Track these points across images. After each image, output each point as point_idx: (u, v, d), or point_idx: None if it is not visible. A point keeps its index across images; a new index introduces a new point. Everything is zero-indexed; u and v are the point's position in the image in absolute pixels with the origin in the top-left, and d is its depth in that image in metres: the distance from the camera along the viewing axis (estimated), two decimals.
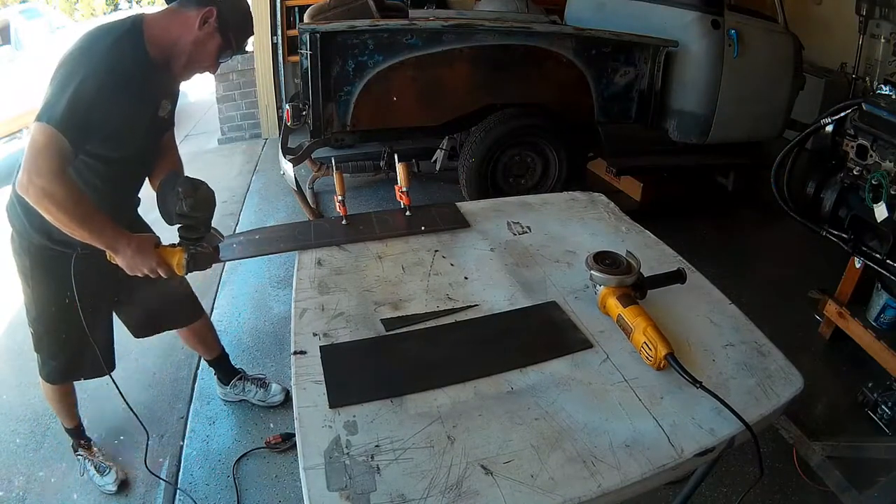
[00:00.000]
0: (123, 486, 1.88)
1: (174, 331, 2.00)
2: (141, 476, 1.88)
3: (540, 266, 1.34)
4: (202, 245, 1.39)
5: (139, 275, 1.36)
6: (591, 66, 2.98)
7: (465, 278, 1.29)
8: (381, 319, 1.15)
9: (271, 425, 2.03)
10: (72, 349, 1.68)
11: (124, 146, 1.41)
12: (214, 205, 1.39)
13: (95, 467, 1.89)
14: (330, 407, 0.93)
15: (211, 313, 2.63)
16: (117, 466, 1.90)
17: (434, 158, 3.67)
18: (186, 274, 1.40)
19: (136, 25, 1.35)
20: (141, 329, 1.89)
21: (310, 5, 3.17)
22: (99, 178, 1.42)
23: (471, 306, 1.19)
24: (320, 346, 1.07)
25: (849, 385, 2.19)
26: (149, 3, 13.03)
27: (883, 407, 2.01)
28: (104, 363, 1.63)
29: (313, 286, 1.25)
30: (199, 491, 1.82)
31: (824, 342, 2.50)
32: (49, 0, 10.22)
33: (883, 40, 4.18)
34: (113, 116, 1.30)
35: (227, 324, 2.58)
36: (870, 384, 2.08)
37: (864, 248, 2.07)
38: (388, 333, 1.11)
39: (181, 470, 1.90)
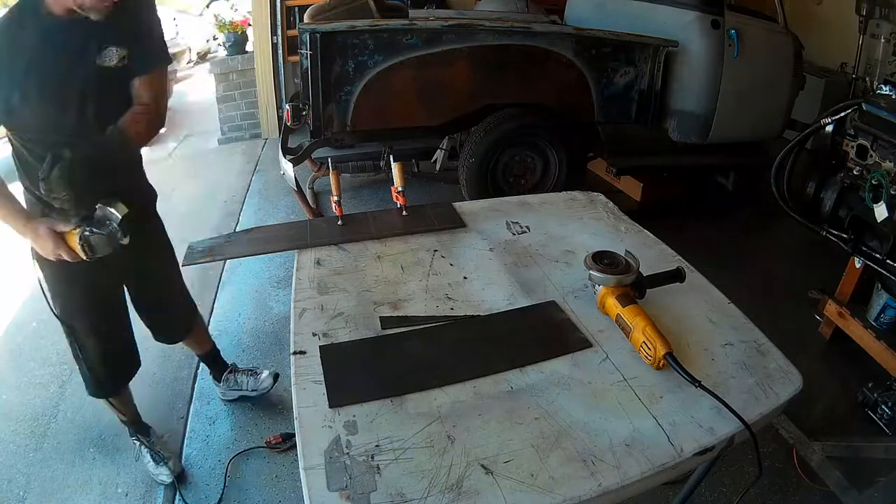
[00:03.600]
0: (181, 478, 1.86)
1: None
2: (141, 476, 1.88)
3: (539, 266, 1.34)
4: (98, 226, 1.28)
5: (55, 259, 1.32)
6: (591, 66, 2.98)
7: (465, 278, 1.29)
8: (380, 318, 1.15)
9: (271, 425, 2.03)
10: (107, 353, 1.68)
11: (50, 111, 1.31)
12: (85, 182, 1.23)
13: (152, 456, 1.87)
14: (330, 407, 0.93)
15: (211, 313, 2.64)
16: (174, 459, 1.89)
17: (434, 158, 3.67)
18: (91, 258, 1.30)
19: None
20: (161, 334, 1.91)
21: (310, 5, 3.17)
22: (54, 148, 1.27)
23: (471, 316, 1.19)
24: (320, 346, 1.07)
25: (849, 385, 2.19)
26: None
27: (883, 407, 2.01)
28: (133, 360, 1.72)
29: (312, 286, 1.25)
30: (199, 491, 1.82)
31: (824, 342, 2.50)
32: None
33: (883, 40, 4.18)
34: (11, 89, 1.25)
35: (227, 323, 2.58)
36: (870, 384, 2.08)
37: (864, 248, 2.07)
38: (386, 333, 1.11)
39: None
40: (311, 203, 3.44)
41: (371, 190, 3.84)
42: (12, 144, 1.40)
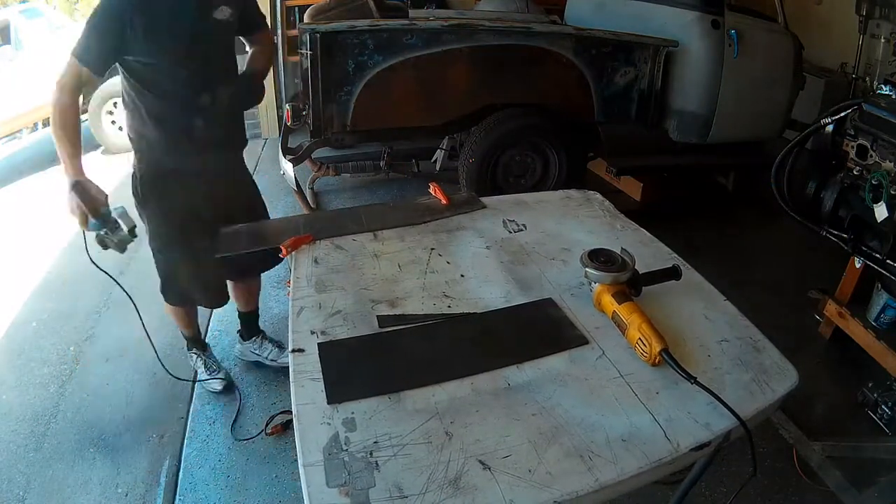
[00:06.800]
0: (228, 388, 2.11)
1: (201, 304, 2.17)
2: (141, 476, 1.89)
3: (535, 263, 1.34)
4: (116, 231, 1.59)
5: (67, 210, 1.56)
6: (591, 66, 2.98)
7: (462, 276, 1.29)
8: (377, 316, 1.15)
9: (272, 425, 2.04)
10: (183, 273, 1.89)
11: (166, 56, 1.59)
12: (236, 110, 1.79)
13: (205, 366, 2.15)
14: (328, 404, 0.93)
15: (211, 314, 2.64)
16: (225, 371, 2.16)
17: (434, 158, 3.69)
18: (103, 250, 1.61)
19: None
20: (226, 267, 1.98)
21: (310, 5, 3.18)
22: (161, 98, 1.65)
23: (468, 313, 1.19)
24: (318, 344, 1.07)
25: (849, 385, 2.19)
26: None
27: (883, 407, 2.01)
28: (215, 296, 1.98)
29: (310, 284, 1.25)
30: (199, 491, 1.82)
31: (824, 342, 2.49)
32: (49, 0, 10.24)
33: (883, 40, 4.18)
34: (139, 39, 1.52)
35: (228, 323, 2.58)
36: (870, 384, 2.08)
37: (864, 248, 2.06)
38: (384, 330, 1.11)
39: (181, 470, 1.91)
40: (311, 203, 3.45)
41: (371, 190, 3.85)
42: (133, 100, 1.67)
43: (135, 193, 1.81)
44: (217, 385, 2.13)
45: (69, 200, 1.53)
